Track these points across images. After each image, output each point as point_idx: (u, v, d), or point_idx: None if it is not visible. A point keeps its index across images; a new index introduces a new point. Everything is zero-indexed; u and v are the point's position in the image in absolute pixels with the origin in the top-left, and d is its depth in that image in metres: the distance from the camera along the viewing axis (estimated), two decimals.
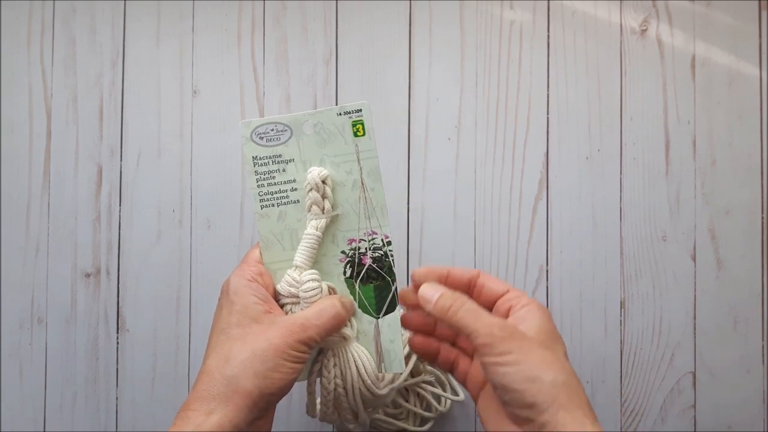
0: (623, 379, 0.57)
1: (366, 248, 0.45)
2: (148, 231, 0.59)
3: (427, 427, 0.54)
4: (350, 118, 0.44)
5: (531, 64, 0.58)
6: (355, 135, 0.44)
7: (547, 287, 0.58)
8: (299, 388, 0.57)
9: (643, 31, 0.58)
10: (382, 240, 0.45)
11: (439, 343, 0.46)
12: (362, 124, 0.44)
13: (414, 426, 0.54)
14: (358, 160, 0.44)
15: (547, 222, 0.58)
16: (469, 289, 0.45)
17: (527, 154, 0.58)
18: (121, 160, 0.60)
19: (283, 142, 0.44)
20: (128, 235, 0.59)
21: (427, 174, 0.58)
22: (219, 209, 0.59)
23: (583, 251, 0.58)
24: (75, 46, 0.60)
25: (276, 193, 0.45)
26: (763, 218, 0.57)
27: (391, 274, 0.45)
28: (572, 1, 0.59)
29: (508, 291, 0.43)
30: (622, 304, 0.57)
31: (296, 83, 0.59)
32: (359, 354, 0.45)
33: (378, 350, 0.45)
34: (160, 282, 0.59)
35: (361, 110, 0.44)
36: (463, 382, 0.45)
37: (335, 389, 0.44)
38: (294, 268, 0.44)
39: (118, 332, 0.59)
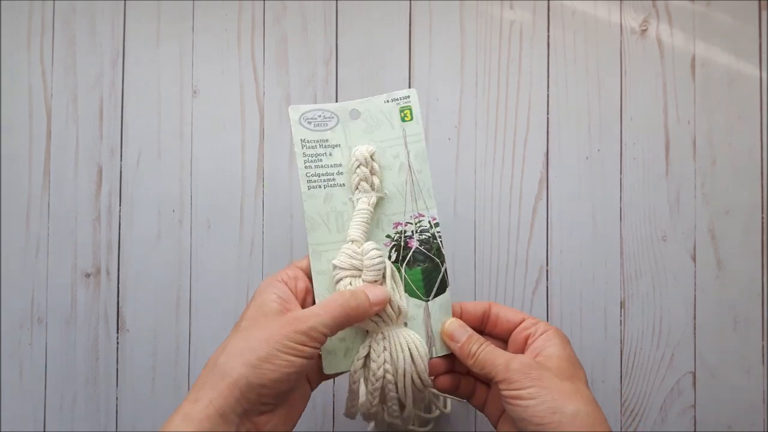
0: (623, 379, 0.57)
1: (412, 231, 0.45)
2: (148, 231, 0.59)
3: (428, 427, 0.54)
4: (398, 104, 0.46)
5: (531, 64, 0.59)
6: (403, 120, 0.46)
7: (547, 287, 0.58)
8: None
9: (643, 31, 0.58)
10: (429, 222, 0.45)
11: (459, 376, 0.46)
12: (410, 109, 0.46)
13: (415, 426, 0.54)
14: (406, 144, 0.46)
15: (547, 222, 0.58)
16: (483, 321, 0.45)
17: (527, 154, 0.58)
18: (121, 160, 0.60)
19: (330, 128, 0.46)
20: (128, 235, 0.59)
21: None
22: (219, 209, 0.59)
23: (583, 251, 0.58)
24: (75, 46, 0.60)
25: (323, 175, 0.45)
26: (763, 218, 0.57)
27: (440, 255, 0.45)
28: (572, 1, 0.59)
29: (523, 320, 0.43)
30: (622, 304, 0.57)
31: (296, 83, 0.59)
32: (412, 338, 0.43)
33: (429, 334, 0.45)
34: (160, 282, 0.59)
35: (409, 96, 0.46)
36: (482, 409, 0.45)
37: (384, 376, 0.43)
38: (350, 242, 0.44)
39: (118, 332, 0.59)
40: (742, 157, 0.57)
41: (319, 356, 0.44)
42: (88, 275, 0.59)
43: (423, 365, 0.43)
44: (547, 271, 0.58)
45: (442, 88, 0.59)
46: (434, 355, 0.45)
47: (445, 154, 0.58)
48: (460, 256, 0.58)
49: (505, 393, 0.39)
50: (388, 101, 0.46)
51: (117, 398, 0.59)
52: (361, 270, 0.43)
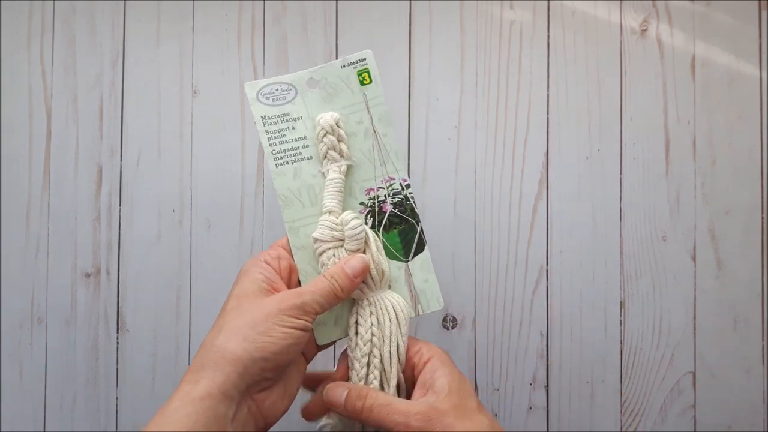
0: (623, 379, 0.57)
1: (385, 195, 0.45)
2: (148, 231, 0.59)
3: None
4: (355, 68, 0.45)
5: (531, 64, 0.58)
6: (362, 84, 0.45)
7: (547, 287, 0.58)
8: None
9: (643, 31, 0.58)
10: (400, 184, 0.45)
11: None
12: (368, 72, 0.45)
13: None
14: (368, 108, 0.45)
15: (547, 222, 0.58)
16: None
17: (527, 154, 0.58)
18: (121, 160, 0.60)
19: (289, 101, 0.45)
20: (128, 235, 0.59)
21: (427, 174, 0.58)
22: (219, 209, 0.59)
23: (583, 251, 0.58)
24: (75, 46, 0.60)
25: (289, 150, 0.45)
26: (763, 218, 0.57)
27: (414, 215, 0.45)
28: (572, 1, 0.59)
29: (408, 347, 0.43)
30: (622, 304, 0.57)
31: None
32: (396, 300, 0.44)
33: (412, 293, 0.45)
34: (160, 282, 0.59)
35: (365, 59, 0.45)
36: None
37: (371, 339, 0.43)
38: (327, 213, 0.44)
39: (118, 332, 0.59)
40: (742, 157, 0.57)
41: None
42: (88, 275, 0.59)
43: (406, 328, 0.44)
44: (547, 271, 0.58)
45: (442, 88, 0.59)
46: (420, 314, 0.45)
47: (445, 154, 0.58)
48: (460, 256, 0.58)
49: None
50: (344, 66, 0.45)
51: (117, 398, 0.59)
52: (343, 240, 0.43)
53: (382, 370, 0.43)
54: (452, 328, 0.58)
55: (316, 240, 0.43)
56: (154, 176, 0.59)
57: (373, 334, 0.43)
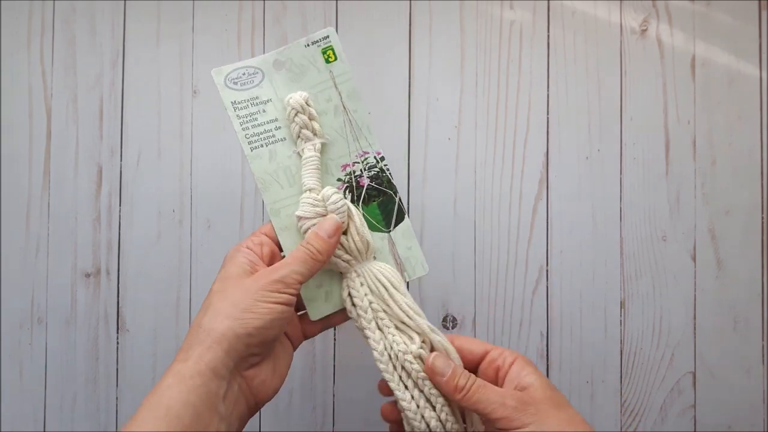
0: (623, 379, 0.57)
1: (361, 170, 0.45)
2: (148, 231, 0.59)
3: None
4: (319, 46, 0.45)
5: (531, 64, 0.59)
6: (327, 62, 0.45)
7: (547, 287, 0.58)
8: (299, 385, 0.57)
9: (643, 31, 0.58)
10: (375, 157, 0.45)
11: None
12: (332, 49, 0.45)
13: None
14: (335, 86, 0.45)
15: (547, 222, 0.58)
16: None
17: (527, 154, 0.58)
18: (121, 160, 0.60)
19: (257, 84, 0.45)
20: (128, 235, 0.59)
21: (427, 174, 0.58)
22: (219, 209, 0.59)
23: (583, 251, 0.58)
24: (75, 46, 0.60)
25: (262, 133, 0.45)
26: (763, 218, 0.57)
27: (391, 186, 0.46)
28: (572, 1, 0.59)
29: (487, 351, 0.44)
30: (622, 304, 0.57)
31: None
32: (383, 268, 0.44)
33: (397, 261, 0.46)
34: (160, 282, 0.59)
35: (328, 36, 0.45)
36: None
37: (370, 305, 0.44)
38: (308, 191, 0.44)
39: (118, 332, 0.59)
40: (742, 157, 0.57)
41: (299, 316, 0.46)
42: (88, 275, 0.59)
43: (403, 287, 0.44)
44: (547, 271, 0.58)
45: (442, 88, 0.59)
46: (406, 280, 0.46)
47: (445, 154, 0.58)
48: (460, 256, 0.58)
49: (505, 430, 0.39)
50: (308, 45, 0.45)
51: (117, 398, 0.59)
52: (326, 215, 0.44)
53: (397, 328, 0.43)
54: (452, 328, 0.58)
55: (299, 218, 0.44)
56: (154, 176, 0.59)
57: (370, 301, 0.44)
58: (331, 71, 0.45)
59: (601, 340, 0.57)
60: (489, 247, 0.58)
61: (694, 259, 0.57)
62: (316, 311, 0.45)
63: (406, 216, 0.46)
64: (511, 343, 0.57)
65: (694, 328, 0.57)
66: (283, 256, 0.45)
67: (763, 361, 0.57)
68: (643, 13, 0.58)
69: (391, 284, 0.44)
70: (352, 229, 0.44)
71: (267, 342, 0.40)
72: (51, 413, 0.59)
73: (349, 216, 0.44)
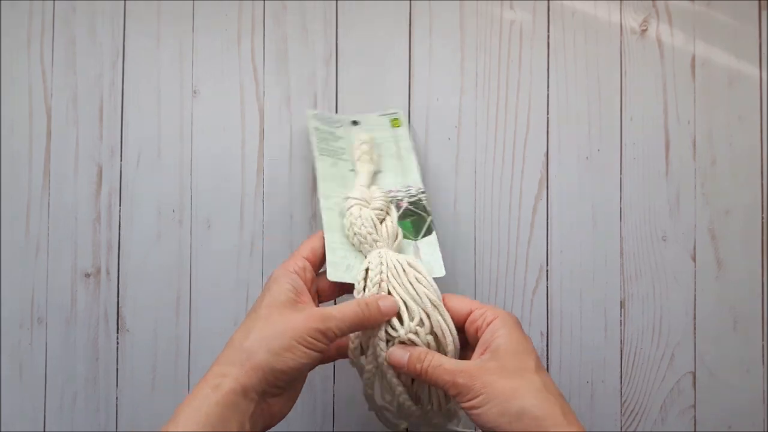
0: (623, 379, 0.57)
1: (403, 197, 0.53)
2: (148, 231, 0.59)
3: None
4: (389, 117, 0.57)
5: (531, 64, 0.59)
6: (392, 126, 0.57)
7: (547, 287, 0.58)
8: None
9: (643, 31, 0.58)
10: (416, 191, 0.53)
11: None
12: (398, 119, 0.57)
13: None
14: (396, 142, 0.56)
15: (547, 222, 0.58)
16: None
17: (527, 154, 0.58)
18: (121, 160, 0.60)
19: (337, 127, 0.57)
20: (128, 235, 0.59)
21: (427, 174, 0.58)
22: (219, 209, 0.59)
23: (583, 251, 0.58)
24: (75, 45, 0.60)
25: (331, 150, 0.55)
26: (763, 218, 0.57)
27: (426, 211, 0.52)
28: (572, 1, 0.59)
29: (471, 311, 0.45)
30: (622, 304, 0.57)
31: (296, 83, 0.59)
32: (404, 256, 0.48)
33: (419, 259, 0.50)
34: (160, 282, 0.59)
35: (396, 112, 0.57)
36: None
37: (380, 280, 0.46)
38: (360, 186, 0.51)
39: (118, 332, 0.59)
40: (742, 157, 0.57)
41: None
42: (88, 275, 0.59)
43: (420, 266, 0.47)
44: (547, 271, 0.58)
45: (442, 88, 0.59)
46: None
47: (445, 154, 0.58)
48: (460, 256, 0.58)
49: (462, 405, 0.41)
50: (381, 115, 0.57)
51: (117, 398, 0.59)
52: (369, 202, 0.50)
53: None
54: None
55: (348, 198, 0.50)
56: (154, 176, 0.59)
57: (381, 271, 0.46)
58: (394, 133, 0.57)
59: (601, 340, 0.57)
60: (489, 247, 0.58)
61: (694, 259, 0.57)
62: (335, 275, 0.48)
63: (434, 233, 0.51)
64: None
65: (694, 328, 0.57)
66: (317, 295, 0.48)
67: (763, 361, 0.57)
68: (643, 13, 0.58)
69: (408, 263, 0.47)
70: (388, 220, 0.50)
71: (295, 379, 0.44)
72: (51, 413, 0.59)
73: (388, 211, 0.51)
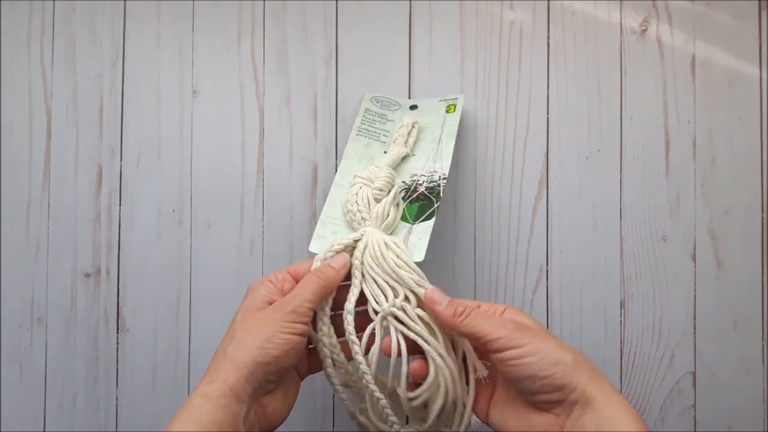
0: (623, 379, 0.57)
1: (423, 181, 0.53)
2: (148, 231, 0.59)
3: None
4: (447, 102, 0.57)
5: (531, 64, 0.59)
6: (447, 112, 0.57)
7: (547, 287, 0.58)
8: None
9: (643, 31, 0.58)
10: (439, 176, 0.53)
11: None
12: (454, 105, 0.56)
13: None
14: (443, 126, 0.56)
15: (547, 222, 0.58)
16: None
17: (527, 154, 0.58)
18: (121, 160, 0.60)
19: (392, 111, 0.58)
20: (128, 235, 0.59)
21: None
22: (219, 209, 0.59)
23: (583, 251, 0.58)
24: (75, 46, 0.60)
25: (371, 131, 0.57)
26: (763, 218, 0.57)
27: (438, 198, 0.52)
28: (572, 1, 0.59)
29: (479, 305, 0.46)
30: (622, 304, 0.57)
31: (296, 83, 0.59)
32: (385, 237, 0.49)
33: (405, 243, 0.51)
34: (160, 282, 0.59)
35: (457, 98, 0.57)
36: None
37: (361, 256, 0.48)
38: (375, 167, 0.52)
39: (118, 332, 0.59)
40: (742, 157, 0.57)
41: (308, 349, 0.49)
42: (88, 275, 0.59)
43: (399, 250, 0.47)
44: (547, 271, 0.58)
45: (442, 88, 0.59)
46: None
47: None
48: (460, 256, 0.58)
49: (504, 354, 0.41)
50: (441, 100, 0.58)
51: (117, 398, 0.59)
52: (373, 182, 0.51)
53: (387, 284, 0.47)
54: None
55: (356, 176, 0.52)
56: (154, 176, 0.59)
57: (361, 253, 0.48)
58: (445, 118, 0.56)
59: (601, 339, 0.57)
60: (489, 247, 0.58)
61: (694, 259, 0.57)
62: (316, 247, 0.50)
63: (433, 219, 0.51)
64: None
65: (694, 328, 0.57)
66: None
67: (763, 361, 0.57)
68: (643, 13, 0.58)
69: (385, 243, 0.48)
70: (383, 201, 0.50)
71: (283, 370, 0.44)
72: (51, 413, 0.59)
73: (389, 192, 0.51)
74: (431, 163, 0.54)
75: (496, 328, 0.41)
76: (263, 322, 0.43)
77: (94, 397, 0.59)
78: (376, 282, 0.47)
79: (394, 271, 0.46)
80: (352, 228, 0.51)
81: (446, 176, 0.53)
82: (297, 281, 0.47)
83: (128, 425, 0.59)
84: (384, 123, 0.57)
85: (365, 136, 0.56)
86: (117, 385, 0.59)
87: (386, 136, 0.57)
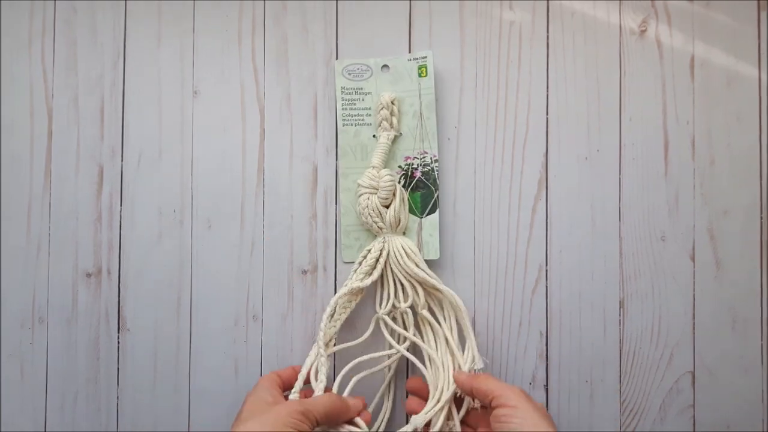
0: (622, 379, 0.57)
1: (418, 165, 0.57)
2: (149, 231, 0.59)
3: None
4: (417, 62, 0.57)
5: (531, 64, 0.59)
6: (419, 76, 0.57)
7: (546, 287, 0.58)
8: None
9: (643, 32, 0.58)
10: (431, 158, 0.57)
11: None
12: (426, 67, 0.57)
13: None
14: (419, 95, 0.57)
15: (547, 222, 0.58)
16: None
17: (527, 154, 0.58)
18: (122, 161, 0.60)
19: (365, 79, 0.58)
20: (129, 235, 0.60)
21: None
22: (219, 209, 0.59)
23: (583, 251, 0.58)
24: (76, 46, 0.60)
25: (355, 116, 0.58)
26: (762, 218, 0.57)
27: (435, 185, 0.57)
28: (572, 2, 0.59)
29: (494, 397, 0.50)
30: (621, 304, 0.58)
31: (296, 83, 0.60)
32: (404, 241, 0.56)
33: (419, 241, 0.57)
34: (160, 282, 0.59)
35: (426, 56, 0.57)
36: None
37: (379, 258, 0.56)
38: (372, 168, 0.56)
39: (118, 332, 0.59)
40: (741, 158, 0.58)
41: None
42: (89, 275, 0.59)
43: (417, 255, 0.56)
44: (546, 271, 0.58)
45: (442, 88, 0.59)
46: (423, 258, 0.56)
47: (445, 154, 0.58)
48: (460, 256, 0.58)
49: (498, 411, 0.48)
50: (410, 59, 0.58)
51: (118, 398, 0.59)
52: (377, 189, 0.55)
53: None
54: None
55: (359, 185, 0.56)
56: (154, 176, 0.60)
57: (380, 252, 0.56)
58: (420, 84, 0.57)
59: (600, 339, 0.57)
60: (489, 247, 0.58)
61: (693, 259, 0.57)
62: (349, 256, 0.58)
63: (437, 211, 0.57)
64: (511, 343, 0.58)
65: (693, 327, 0.57)
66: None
67: (762, 360, 0.57)
68: (642, 13, 0.59)
69: (404, 251, 0.55)
70: (392, 206, 0.56)
71: None
72: (51, 413, 0.59)
73: (394, 194, 0.56)
74: (419, 143, 0.57)
75: (497, 386, 0.50)
76: (274, 414, 0.48)
77: (95, 396, 0.59)
78: (401, 284, 0.56)
79: (412, 274, 0.55)
80: (373, 233, 0.57)
81: (437, 157, 0.57)
82: (288, 385, 0.54)
83: (129, 425, 0.59)
84: (363, 99, 0.58)
85: (351, 124, 0.58)
86: (118, 385, 0.59)
87: (369, 115, 0.58)
